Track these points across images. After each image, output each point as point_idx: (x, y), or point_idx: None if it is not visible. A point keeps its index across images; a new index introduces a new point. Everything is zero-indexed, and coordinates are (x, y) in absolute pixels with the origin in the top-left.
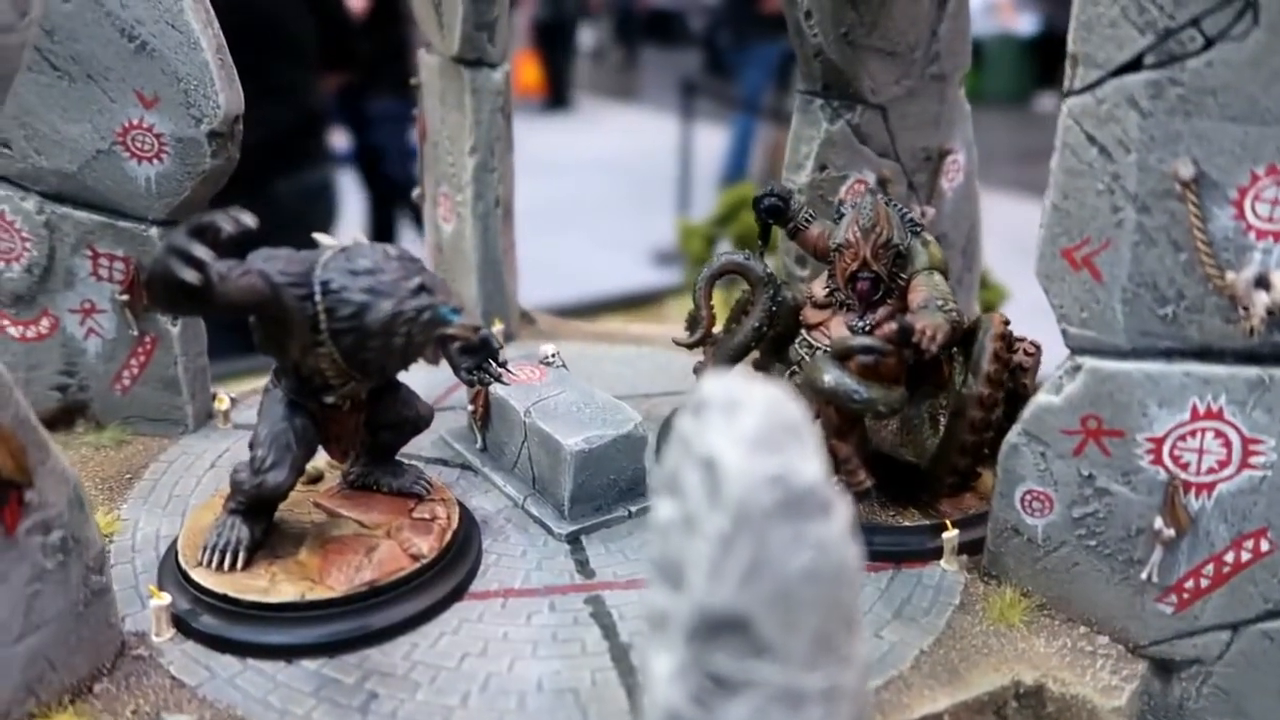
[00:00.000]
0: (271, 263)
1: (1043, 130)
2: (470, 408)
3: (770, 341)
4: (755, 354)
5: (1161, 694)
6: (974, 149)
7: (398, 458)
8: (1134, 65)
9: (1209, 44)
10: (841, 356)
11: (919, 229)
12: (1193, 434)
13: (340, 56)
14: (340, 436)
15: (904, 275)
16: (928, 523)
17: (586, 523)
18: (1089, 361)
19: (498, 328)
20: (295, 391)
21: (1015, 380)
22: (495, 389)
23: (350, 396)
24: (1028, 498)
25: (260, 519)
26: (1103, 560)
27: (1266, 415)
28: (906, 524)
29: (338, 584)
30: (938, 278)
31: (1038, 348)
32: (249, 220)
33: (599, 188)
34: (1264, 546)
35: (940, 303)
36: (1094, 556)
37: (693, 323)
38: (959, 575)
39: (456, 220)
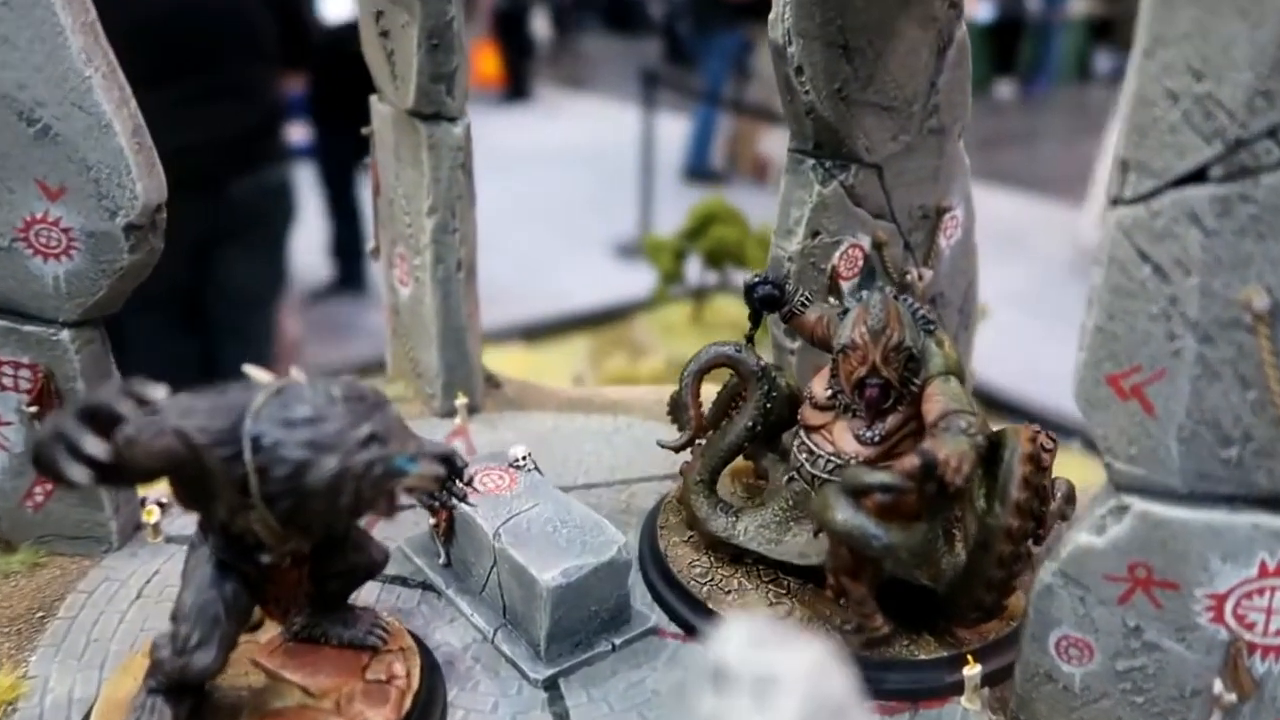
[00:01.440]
0: (190, 418)
1: (1001, 117)
2: (432, 521)
3: (762, 429)
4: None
5: None
6: (972, 203)
7: (350, 603)
8: (1198, 177)
9: None
10: (855, 493)
11: (932, 327)
12: (1260, 592)
13: (301, 54)
14: (280, 597)
15: (917, 381)
16: (945, 654)
17: (565, 663)
18: (1138, 504)
19: (461, 401)
20: (224, 550)
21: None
22: (463, 507)
23: (291, 554)
24: (1064, 643)
25: (185, 698)
26: (1151, 719)
27: None
28: (923, 657)
29: None
30: (955, 384)
31: (1054, 440)
32: (157, 393)
33: (560, 180)
34: None
35: (963, 424)
36: (1141, 715)
37: (676, 414)
38: (982, 715)
39: (414, 284)
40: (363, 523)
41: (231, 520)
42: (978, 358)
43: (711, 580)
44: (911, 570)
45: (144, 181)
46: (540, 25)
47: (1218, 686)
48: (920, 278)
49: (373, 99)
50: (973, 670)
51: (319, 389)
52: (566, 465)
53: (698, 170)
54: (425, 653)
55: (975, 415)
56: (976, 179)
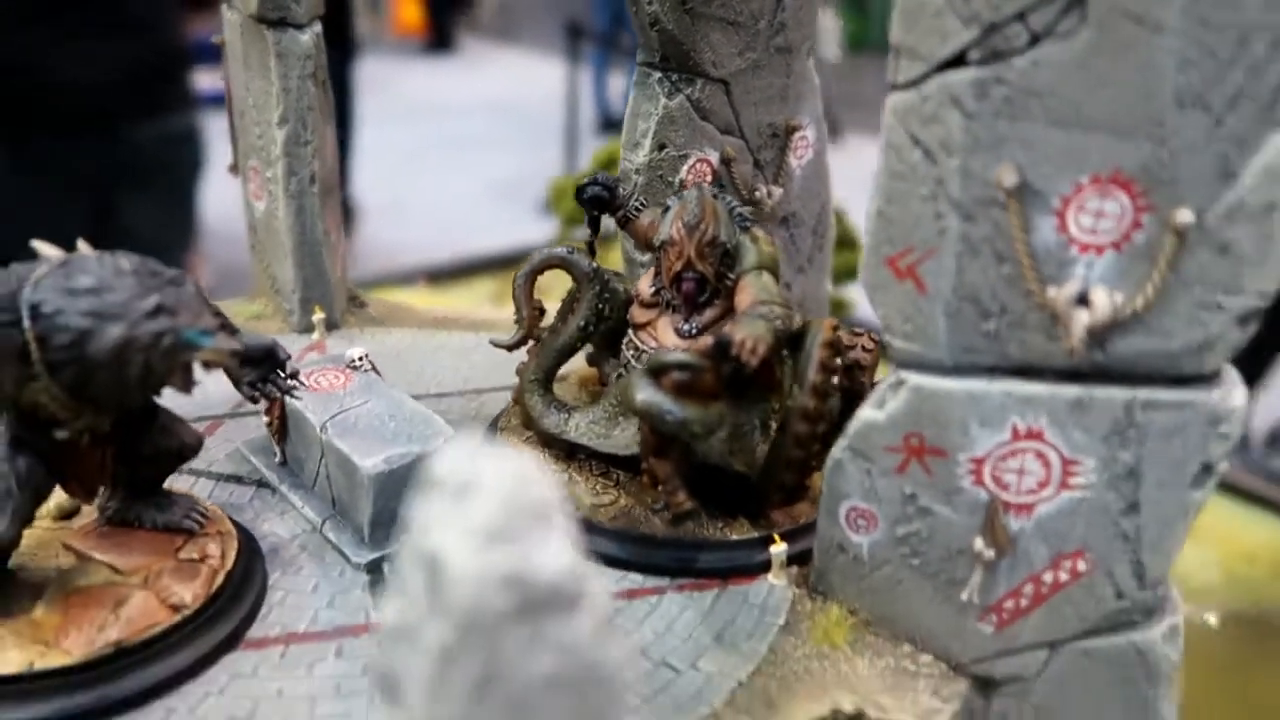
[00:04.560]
0: None
1: None
2: (266, 419)
3: (603, 336)
4: (590, 348)
5: (983, 711)
6: (824, 124)
7: (168, 486)
8: (958, 60)
9: (1035, 41)
10: (655, 373)
11: (748, 224)
12: (1013, 454)
13: None
14: (83, 476)
15: (731, 275)
16: (756, 535)
17: (389, 548)
18: (912, 378)
19: (318, 316)
20: (17, 426)
21: (853, 379)
22: (293, 403)
23: (88, 429)
24: (852, 514)
25: None
26: (925, 579)
27: (1086, 436)
28: (735, 538)
29: (76, 647)
30: (767, 278)
31: (877, 343)
32: None
33: (483, 131)
34: (1081, 567)
35: (765, 309)
36: (917, 575)
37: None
38: (787, 591)
39: (268, 198)
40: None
41: (19, 393)
42: None
43: (593, 504)
44: (727, 458)
45: None
46: None
47: (979, 544)
48: (770, 195)
49: (223, 6)
50: (779, 548)
51: (106, 261)
52: (420, 377)
53: (606, 118)
54: (248, 539)
55: (784, 307)
56: None
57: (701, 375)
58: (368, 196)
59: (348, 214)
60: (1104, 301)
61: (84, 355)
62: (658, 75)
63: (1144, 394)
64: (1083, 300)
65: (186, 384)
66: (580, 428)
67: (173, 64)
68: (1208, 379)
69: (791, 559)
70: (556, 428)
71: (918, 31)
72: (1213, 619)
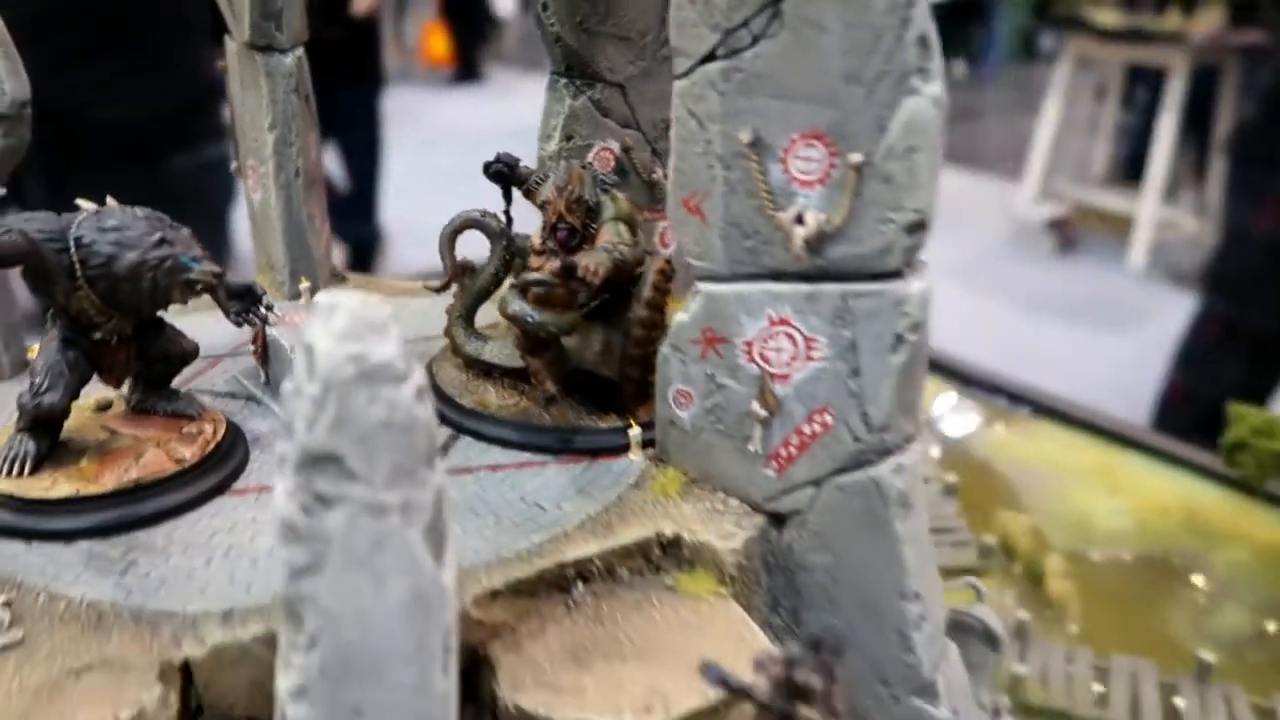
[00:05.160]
0: (30, 224)
1: (951, 95)
2: (252, 348)
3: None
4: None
5: (777, 539)
6: None
7: (175, 388)
8: (711, 57)
9: (755, 40)
10: (521, 289)
11: (608, 187)
12: (772, 336)
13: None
14: (112, 368)
15: (594, 225)
16: (620, 424)
17: None
18: (704, 286)
19: (304, 285)
20: (68, 330)
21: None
22: (271, 332)
23: (116, 333)
24: (676, 395)
25: (45, 436)
26: (727, 439)
27: (818, 320)
28: (603, 426)
29: (108, 483)
30: (621, 227)
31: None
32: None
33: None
34: (828, 420)
35: (609, 245)
36: (721, 437)
37: None
38: (641, 464)
39: (263, 190)
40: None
41: (68, 302)
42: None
43: (466, 389)
44: (599, 367)
45: (11, 82)
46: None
47: (756, 407)
48: (666, 177)
49: (226, 37)
50: (635, 432)
51: (127, 211)
52: None
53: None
54: (236, 427)
55: (630, 246)
56: None
57: (554, 290)
58: (397, 222)
59: (372, 244)
60: (813, 220)
61: (111, 272)
62: (564, 81)
63: (852, 287)
64: (800, 220)
65: (184, 297)
66: (493, 351)
67: (205, 98)
68: (892, 275)
69: (647, 443)
70: (475, 352)
71: (684, 38)
72: (1126, 556)
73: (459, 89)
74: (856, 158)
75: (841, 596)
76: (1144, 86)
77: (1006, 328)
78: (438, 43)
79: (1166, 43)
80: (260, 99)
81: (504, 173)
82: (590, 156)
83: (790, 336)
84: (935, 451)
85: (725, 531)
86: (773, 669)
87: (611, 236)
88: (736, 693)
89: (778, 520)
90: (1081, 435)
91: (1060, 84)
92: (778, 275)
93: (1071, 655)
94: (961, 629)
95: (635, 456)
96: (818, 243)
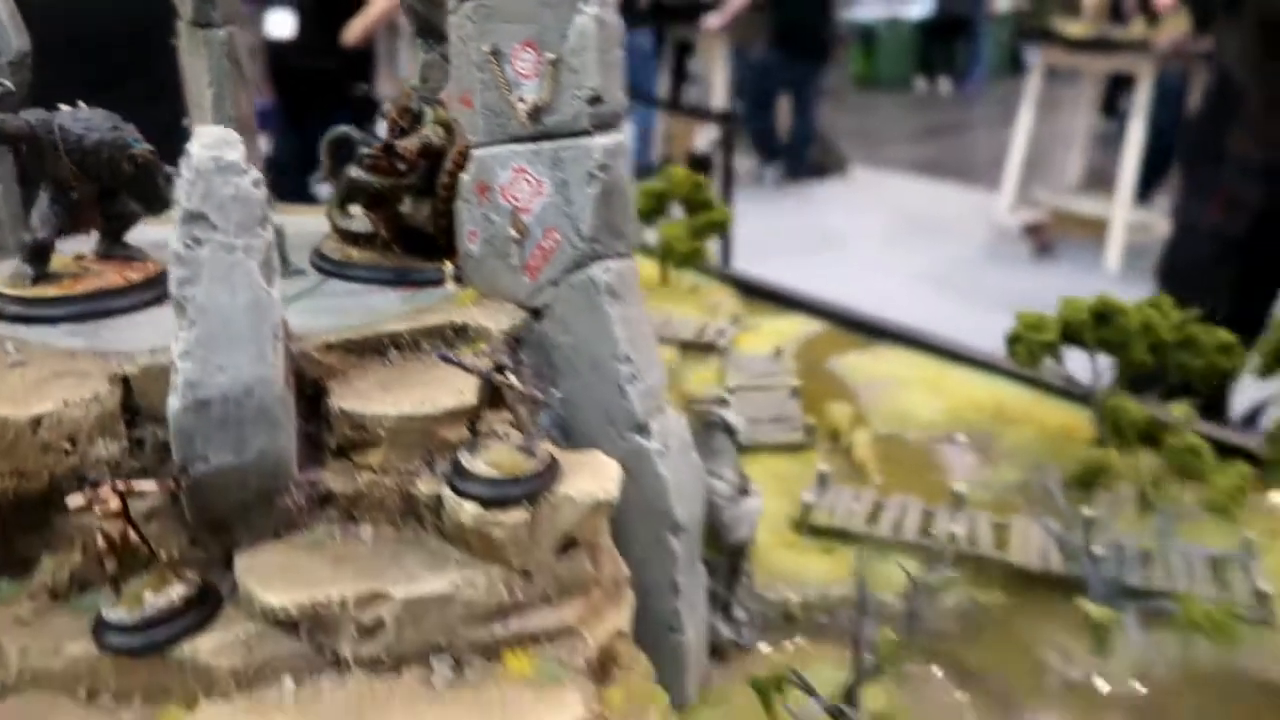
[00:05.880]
0: (28, 115)
1: (937, 112)
2: None
3: None
4: None
5: (536, 328)
6: None
7: (128, 242)
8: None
9: None
10: (358, 161)
11: (432, 103)
12: (516, 182)
13: None
14: (86, 222)
15: (420, 126)
16: (439, 264)
17: None
18: (475, 153)
19: None
20: (54, 192)
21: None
22: None
23: (87, 195)
24: (469, 234)
25: (40, 262)
26: (499, 260)
27: (543, 167)
28: (428, 266)
29: (80, 290)
30: (436, 126)
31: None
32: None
33: None
34: (557, 237)
35: (423, 132)
36: (495, 259)
37: None
38: (452, 289)
39: None
40: None
41: (55, 170)
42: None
43: (338, 250)
44: (426, 226)
45: (16, 36)
46: None
47: (512, 232)
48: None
49: (179, 20)
50: (448, 267)
51: (94, 111)
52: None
53: (644, 172)
54: None
55: (439, 138)
56: (908, 170)
57: (379, 161)
58: None
59: None
60: (530, 98)
61: (81, 146)
62: (420, 40)
63: (560, 143)
64: (523, 101)
65: (130, 168)
66: (355, 224)
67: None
68: (584, 133)
69: (458, 277)
70: (345, 225)
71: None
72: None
73: None
74: (552, 56)
75: (579, 364)
76: (1126, 95)
77: (984, 328)
78: None
79: (1132, 50)
80: (201, 64)
81: (369, 98)
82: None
83: (527, 180)
84: (791, 367)
85: (498, 320)
86: (487, 361)
87: (427, 131)
88: (461, 367)
89: (535, 314)
90: (926, 356)
91: (1033, 93)
92: (516, 139)
93: (857, 495)
94: (709, 423)
95: (450, 286)
96: (536, 115)
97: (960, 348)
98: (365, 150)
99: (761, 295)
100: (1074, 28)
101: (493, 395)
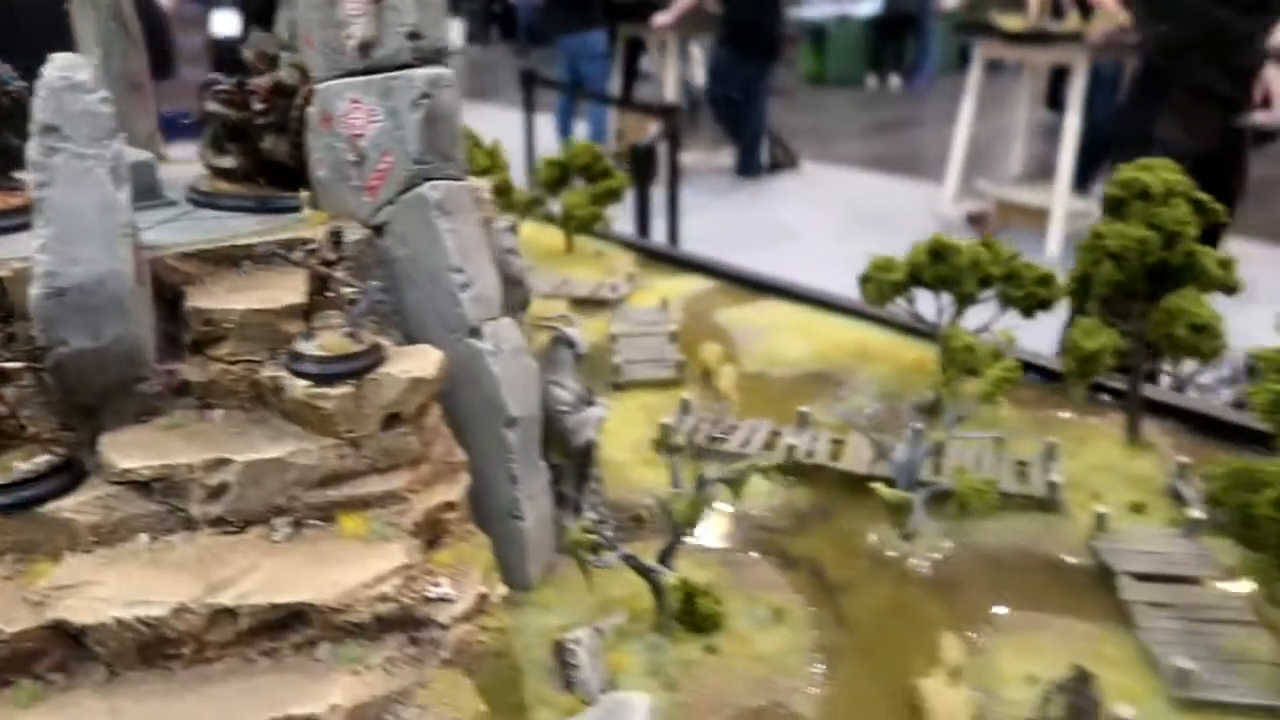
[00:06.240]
0: None
1: (889, 107)
2: None
3: None
4: None
5: (379, 244)
6: None
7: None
8: None
9: None
10: (214, 96)
11: (291, 49)
12: (353, 111)
13: (166, 65)
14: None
15: (276, 70)
16: (296, 194)
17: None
18: (318, 86)
19: None
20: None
21: None
22: None
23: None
24: (317, 162)
25: None
26: (343, 183)
27: (376, 97)
28: (287, 195)
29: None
30: (290, 69)
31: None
32: None
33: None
34: (390, 159)
35: (279, 73)
36: (340, 183)
37: None
38: (307, 214)
39: None
40: None
41: None
42: None
43: (211, 185)
44: (287, 159)
45: None
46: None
47: (350, 156)
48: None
49: None
50: (304, 195)
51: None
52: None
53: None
54: None
55: (291, 79)
56: (858, 165)
57: (234, 95)
58: None
59: None
60: (358, 35)
61: None
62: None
63: (388, 75)
64: (352, 38)
65: (8, 100)
66: (224, 162)
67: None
68: (407, 65)
69: (315, 204)
70: (216, 162)
71: None
72: (796, 372)
73: None
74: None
75: (418, 275)
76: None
77: (926, 311)
78: None
79: (1067, 43)
80: (89, 26)
81: (237, 56)
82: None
83: (362, 110)
84: (674, 317)
85: (350, 231)
86: (314, 259)
87: (281, 72)
88: (289, 261)
89: (378, 230)
90: (804, 307)
91: (974, 87)
92: (351, 73)
93: (715, 419)
94: (556, 339)
95: (304, 211)
96: (365, 50)
97: (833, 297)
98: (221, 87)
99: (660, 259)
100: (1011, 22)
101: (322, 288)
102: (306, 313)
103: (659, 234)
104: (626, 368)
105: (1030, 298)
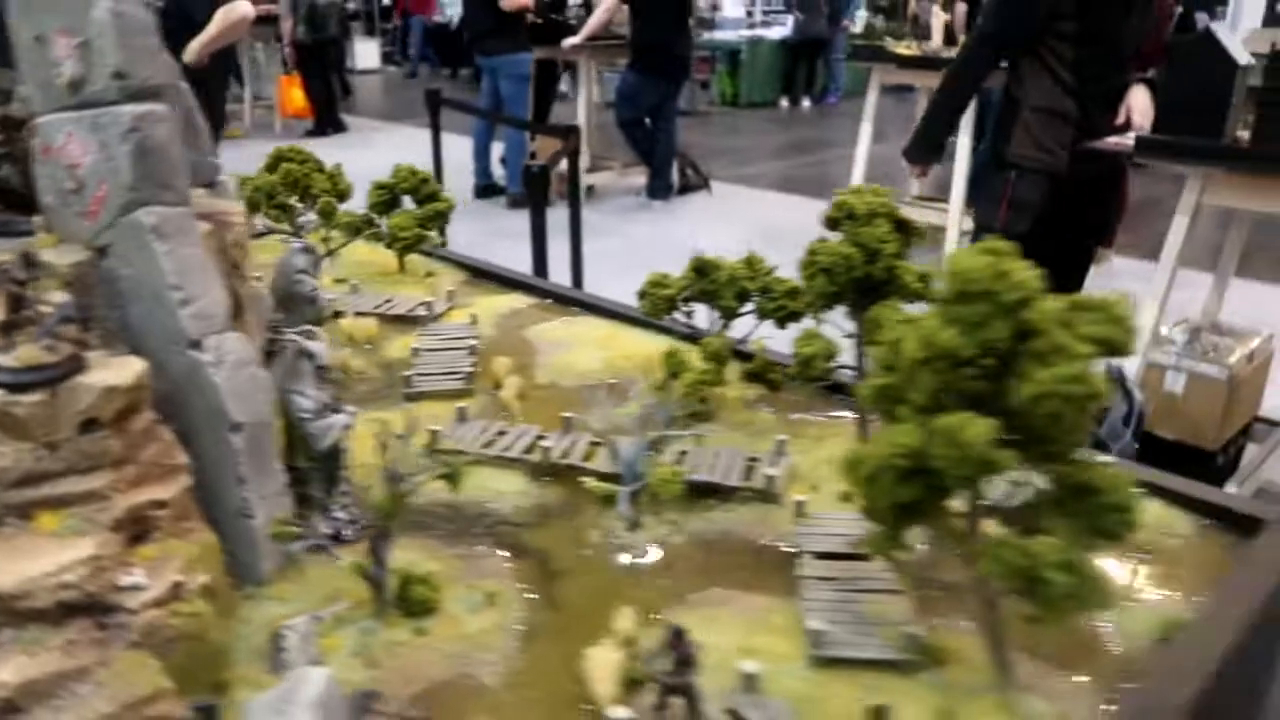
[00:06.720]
0: None
1: (800, 128)
2: None
3: None
4: None
5: (105, 264)
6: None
7: None
8: None
9: None
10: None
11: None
12: (69, 144)
13: None
14: None
15: (9, 105)
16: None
17: None
18: (38, 121)
19: None
20: None
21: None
22: None
23: None
24: (44, 189)
25: None
26: (67, 210)
27: (87, 131)
28: (25, 220)
29: None
30: (24, 104)
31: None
32: None
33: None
34: (105, 188)
35: (10, 107)
36: (64, 210)
37: None
38: (42, 235)
39: None
40: None
41: None
42: None
43: None
44: (19, 186)
45: None
46: (370, 59)
47: (69, 185)
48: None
49: None
50: (37, 220)
51: None
52: None
53: (487, 185)
54: None
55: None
56: (768, 185)
57: None
58: None
59: None
60: (68, 75)
61: None
62: None
63: (97, 111)
64: (61, 77)
65: None
66: None
67: None
68: (115, 102)
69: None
70: None
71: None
72: (583, 383)
73: (322, 138)
74: (80, 39)
75: (141, 294)
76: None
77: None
78: (296, 95)
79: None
80: None
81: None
82: None
83: (77, 143)
84: (481, 333)
85: (65, 257)
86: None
87: (14, 106)
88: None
89: (101, 252)
90: (609, 322)
91: (870, 109)
92: (65, 108)
93: (485, 426)
94: (299, 352)
95: (38, 234)
96: (75, 88)
97: (633, 312)
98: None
99: (487, 277)
100: (901, 47)
101: (18, 306)
102: (6, 329)
103: (561, 256)
104: (417, 380)
105: (781, 309)
